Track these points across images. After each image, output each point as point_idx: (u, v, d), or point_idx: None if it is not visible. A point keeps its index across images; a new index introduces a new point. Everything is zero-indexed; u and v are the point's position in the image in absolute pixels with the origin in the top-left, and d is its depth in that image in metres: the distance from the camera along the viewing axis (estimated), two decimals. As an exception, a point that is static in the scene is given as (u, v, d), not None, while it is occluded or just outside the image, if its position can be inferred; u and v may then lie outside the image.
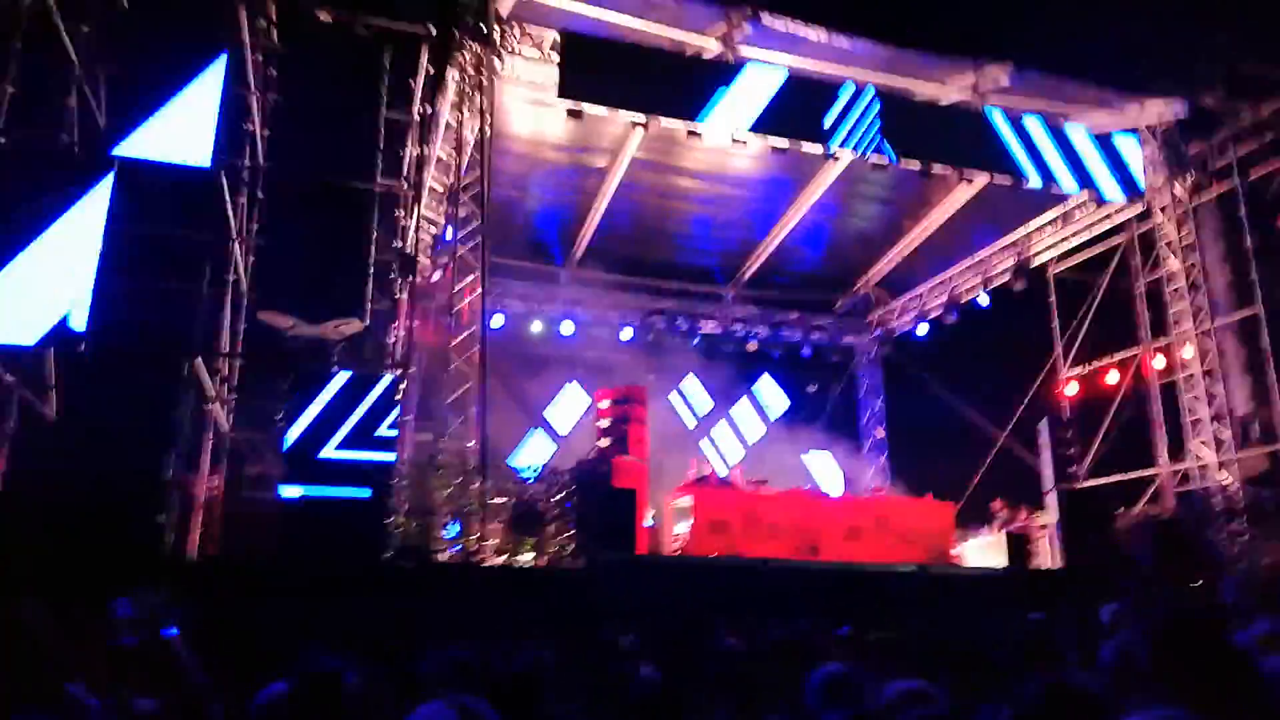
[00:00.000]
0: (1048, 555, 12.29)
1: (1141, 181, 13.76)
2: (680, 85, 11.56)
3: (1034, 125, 12.98)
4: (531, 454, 16.62)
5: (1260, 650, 4.07)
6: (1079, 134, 13.34)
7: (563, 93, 10.93)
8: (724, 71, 11.73)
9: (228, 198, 10.30)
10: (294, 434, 8.61)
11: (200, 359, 9.59)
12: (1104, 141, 13.58)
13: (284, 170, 10.45)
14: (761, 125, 11.74)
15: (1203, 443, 13.50)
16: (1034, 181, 12.86)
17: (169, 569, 8.10)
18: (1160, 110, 13.66)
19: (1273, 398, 12.53)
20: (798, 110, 11.94)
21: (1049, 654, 4.23)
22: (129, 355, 8.78)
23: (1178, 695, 2.42)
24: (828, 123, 11.95)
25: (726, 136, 11.88)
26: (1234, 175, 13.45)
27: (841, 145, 12.01)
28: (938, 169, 12.70)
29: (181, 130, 8.91)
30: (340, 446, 8.63)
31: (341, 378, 8.80)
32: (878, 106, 12.16)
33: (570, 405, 16.93)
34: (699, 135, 11.83)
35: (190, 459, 10.04)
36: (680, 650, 5.32)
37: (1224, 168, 13.81)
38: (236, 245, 10.97)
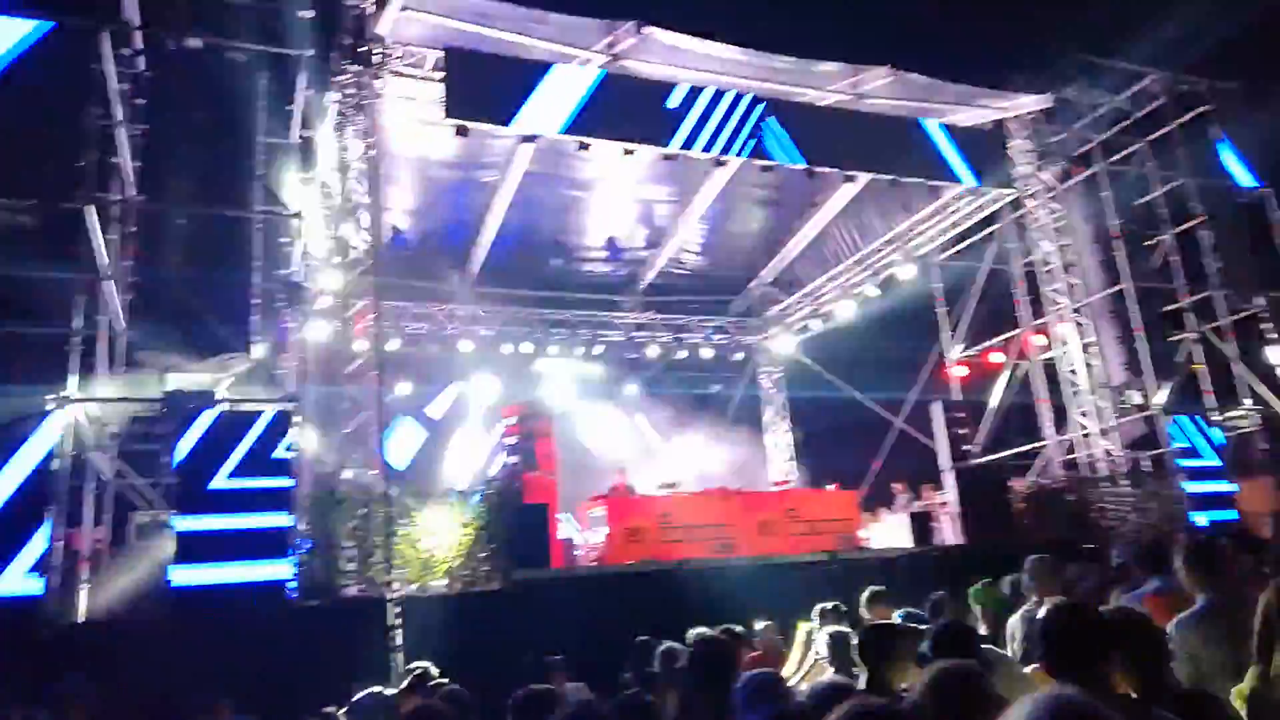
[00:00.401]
0: (950, 532, 12.75)
1: (1011, 171, 14.46)
2: (564, 97, 11.55)
3: (912, 123, 13.50)
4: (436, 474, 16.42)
5: (1150, 610, 4.31)
6: (952, 130, 13.93)
7: (450, 112, 10.80)
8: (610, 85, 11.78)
9: (98, 234, 9.81)
10: (186, 475, 8.25)
11: (77, 405, 9.08)
12: (974, 134, 14.23)
13: (157, 203, 9.99)
14: (601, 129, 11.82)
15: (1083, 413, 14.26)
16: (912, 176, 13.37)
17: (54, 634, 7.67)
18: (1026, 103, 14.37)
19: (1144, 367, 13.34)
20: (679, 115, 12.09)
21: (956, 632, 4.37)
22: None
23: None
24: (710, 126, 12.16)
25: (617, 150, 11.95)
26: (1096, 160, 14.27)
27: (725, 151, 12.24)
28: (820, 169, 13.04)
29: (47, 167, 8.46)
30: (233, 475, 8.34)
31: (231, 413, 8.47)
32: (759, 110, 12.44)
33: (473, 423, 16.75)
34: (587, 147, 11.85)
35: (71, 511, 9.50)
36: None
37: (1087, 154, 14.65)
38: (111, 284, 10.45)
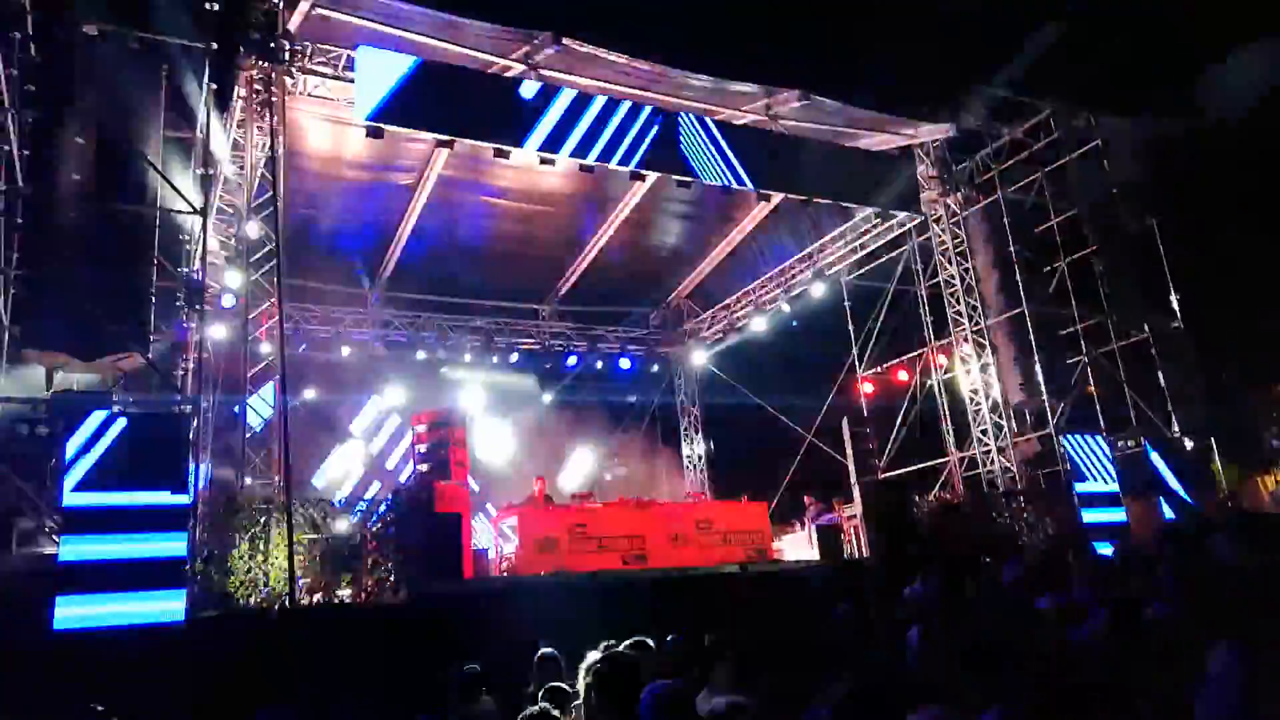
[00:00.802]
0: (856, 545, 13.03)
1: (918, 196, 14.94)
2: (483, 105, 11.43)
3: (824, 145, 13.84)
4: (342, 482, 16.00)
5: (1053, 622, 4.47)
6: (861, 154, 14.34)
7: (361, 114, 10.55)
8: (528, 92, 11.73)
9: (-20, 225, 9.27)
10: (72, 483, 7.77)
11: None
12: (883, 160, 14.68)
13: (47, 193, 9.47)
14: (560, 144, 11.75)
15: (983, 431, 14.79)
16: (822, 197, 13.70)
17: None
18: (931, 131, 14.90)
19: (1040, 388, 13.91)
20: (601, 129, 12.10)
21: (856, 646, 4.45)
22: None
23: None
24: (631, 144, 12.21)
25: (534, 157, 11.87)
26: (996, 188, 14.87)
27: (642, 166, 12.30)
28: (738, 187, 13.22)
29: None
30: (125, 486, 7.84)
31: (122, 420, 8.03)
32: (673, 126, 12.56)
33: (383, 429, 16.39)
34: (506, 154, 11.74)
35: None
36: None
37: (988, 181, 15.26)
38: (-7, 277, 9.88)
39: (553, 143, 11.64)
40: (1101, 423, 14.22)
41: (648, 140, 12.30)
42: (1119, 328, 14.80)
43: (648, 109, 12.43)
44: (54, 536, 8.28)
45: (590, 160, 11.97)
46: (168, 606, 7.57)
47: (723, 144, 12.89)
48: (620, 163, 12.16)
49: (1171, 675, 3.10)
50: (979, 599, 6.72)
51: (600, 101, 12.05)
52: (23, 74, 10.27)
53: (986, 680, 3.06)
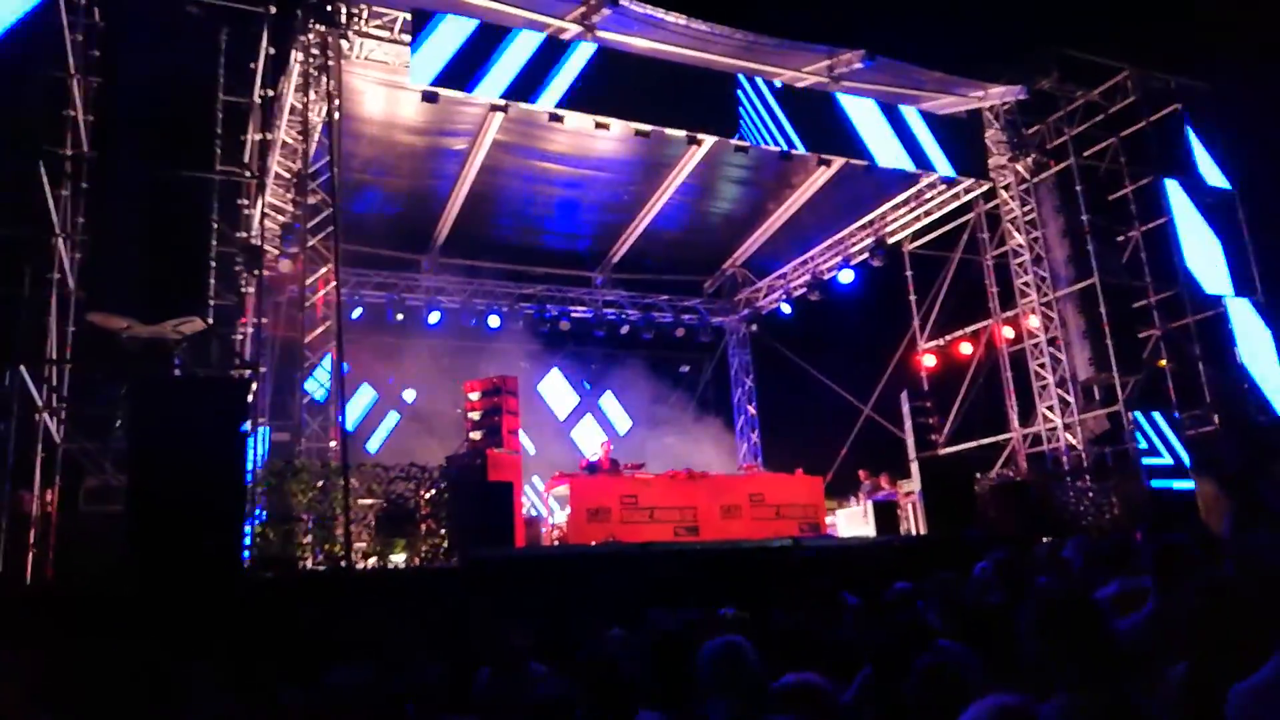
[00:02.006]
0: (914, 522, 12.77)
1: (986, 162, 14.40)
2: (534, 67, 11.26)
3: (889, 109, 13.37)
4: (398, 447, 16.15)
5: (1112, 611, 4.25)
6: (928, 117, 13.83)
7: (416, 76, 10.47)
8: (581, 53, 11.53)
9: (48, 190, 9.41)
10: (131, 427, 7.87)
11: (25, 366, 8.74)
12: (951, 124, 14.15)
13: (112, 159, 9.58)
14: (612, 107, 11.57)
15: (1049, 407, 14.35)
16: (887, 163, 13.25)
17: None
18: (1001, 93, 14.32)
19: (1110, 362, 13.41)
20: (658, 93, 11.88)
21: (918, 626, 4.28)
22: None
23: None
24: (688, 107, 11.95)
25: (589, 122, 11.69)
26: (1069, 154, 14.28)
27: (702, 130, 12.04)
28: (798, 152, 12.88)
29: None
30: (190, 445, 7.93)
31: (186, 379, 8.14)
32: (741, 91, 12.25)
33: (437, 395, 16.48)
34: (560, 118, 11.57)
35: (19, 475, 9.17)
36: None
37: (1060, 147, 14.66)
38: (60, 242, 10.06)
39: (607, 106, 11.44)
40: (1173, 399, 13.70)
41: (703, 103, 12.04)
42: (1196, 301, 14.18)
43: (705, 72, 12.14)
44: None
45: (646, 125, 11.75)
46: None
47: (776, 108, 12.55)
48: (677, 127, 11.91)
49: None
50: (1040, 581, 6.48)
51: (657, 64, 11.80)
52: (88, 39, 10.39)
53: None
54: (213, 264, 9.21)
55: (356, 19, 10.75)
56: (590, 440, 17.82)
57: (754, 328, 20.07)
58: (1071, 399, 14.07)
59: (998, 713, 1.62)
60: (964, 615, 4.31)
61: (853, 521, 13.66)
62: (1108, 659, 2.41)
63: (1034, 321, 14.69)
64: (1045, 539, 10.65)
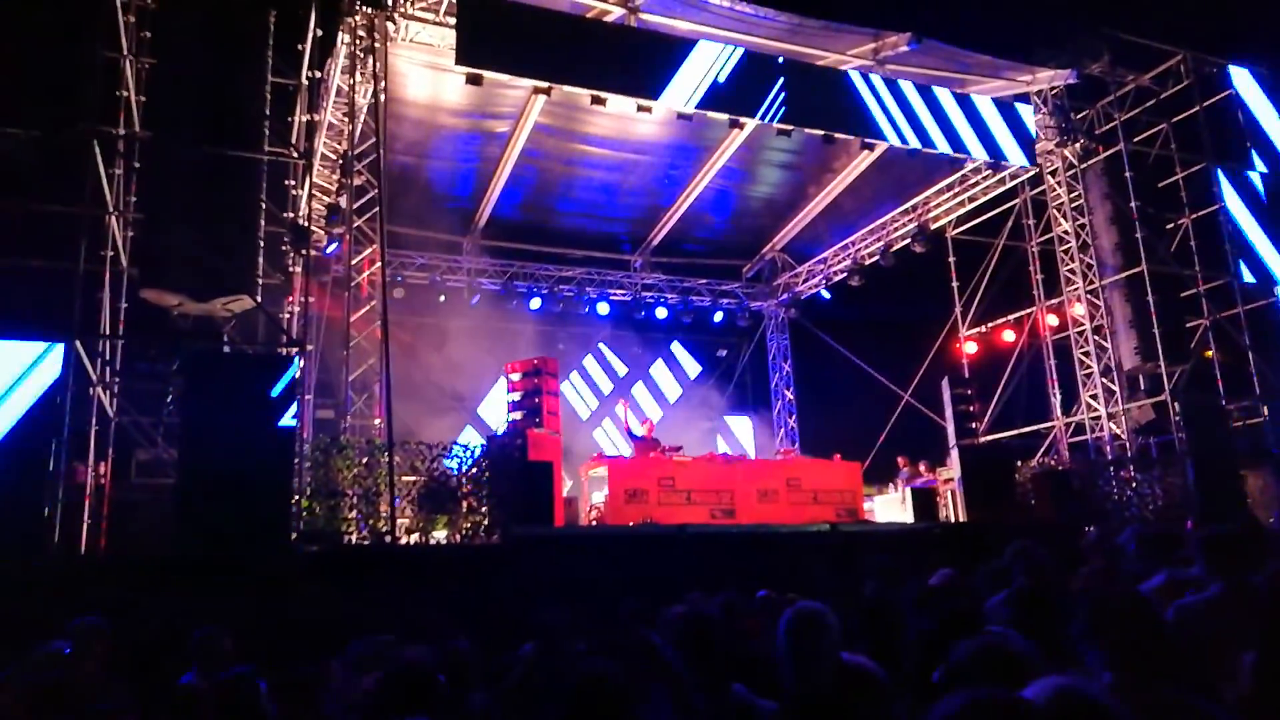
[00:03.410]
0: (953, 509, 12.69)
1: (1033, 146, 14.16)
2: (581, 50, 11.27)
3: (931, 93, 13.18)
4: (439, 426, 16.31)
5: (1159, 601, 4.21)
6: (974, 101, 13.62)
7: (460, 59, 10.52)
8: (626, 36, 11.53)
9: (102, 169, 9.63)
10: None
11: (80, 341, 8.97)
12: (997, 108, 13.92)
13: (163, 139, 9.77)
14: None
15: (1093, 396, 14.15)
16: (941, 147, 13.05)
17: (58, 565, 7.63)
18: (1050, 77, 14.07)
19: (1157, 351, 13.18)
20: (700, 77, 11.83)
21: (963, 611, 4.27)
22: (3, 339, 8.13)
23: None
24: (728, 91, 11.88)
25: (631, 106, 11.68)
26: (1119, 139, 14.00)
27: (747, 114, 11.97)
28: (840, 135, 12.76)
29: (51, 98, 8.29)
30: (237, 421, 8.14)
31: (235, 355, 8.32)
32: (782, 75, 12.15)
33: (478, 376, 16.62)
34: (603, 101, 11.57)
35: (75, 447, 9.44)
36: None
37: (1109, 132, 14.38)
38: (114, 219, 10.31)
39: (651, 89, 11.43)
40: (1221, 390, 13.45)
41: (746, 87, 11.96)
42: (1246, 290, 13.88)
43: (749, 54, 12.06)
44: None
45: (689, 108, 11.72)
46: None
47: (825, 91, 12.44)
48: (720, 110, 11.87)
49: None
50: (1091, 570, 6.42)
51: (702, 46, 11.74)
52: (139, 22, 10.59)
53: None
54: (261, 243, 9.39)
55: (402, 1, 10.82)
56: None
57: (793, 312, 19.97)
58: (1116, 388, 13.86)
59: (1060, 691, 1.63)
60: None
61: (890, 508, 13.60)
62: (1163, 652, 2.42)
63: (1079, 309, 14.47)
64: (1088, 528, 10.56)
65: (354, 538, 8.96)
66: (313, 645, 6.03)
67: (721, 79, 11.79)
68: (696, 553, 9.46)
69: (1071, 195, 14.66)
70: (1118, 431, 13.68)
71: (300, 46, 10.66)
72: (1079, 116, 14.69)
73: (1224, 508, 11.19)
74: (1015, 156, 13.87)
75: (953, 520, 12.37)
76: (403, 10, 10.87)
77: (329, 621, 6.86)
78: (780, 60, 12.30)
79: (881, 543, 10.62)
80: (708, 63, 11.76)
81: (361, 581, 8.17)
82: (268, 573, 7.59)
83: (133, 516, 9.65)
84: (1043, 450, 14.48)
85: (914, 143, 12.89)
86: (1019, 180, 15.09)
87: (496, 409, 15.26)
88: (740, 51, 11.97)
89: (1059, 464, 13.53)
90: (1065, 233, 14.73)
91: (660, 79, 11.48)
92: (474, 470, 9.76)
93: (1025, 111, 14.10)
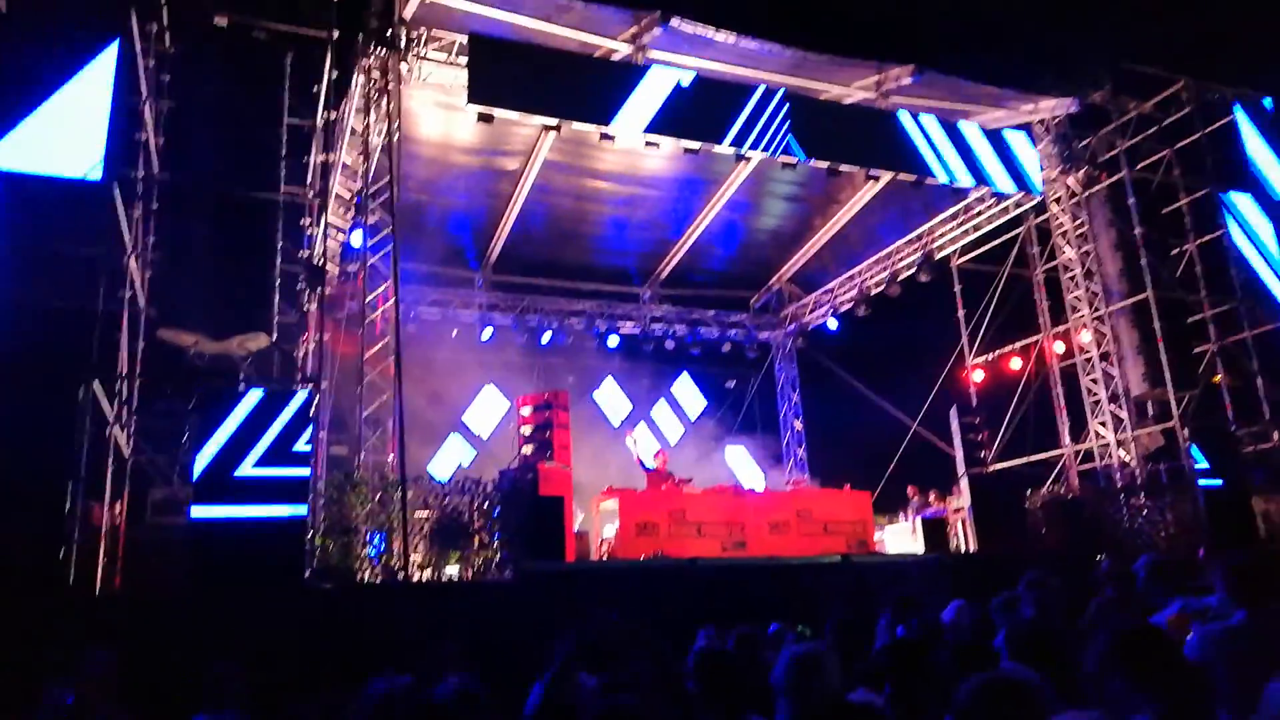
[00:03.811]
0: (963, 539, 12.68)
1: (1037, 175, 14.30)
2: (590, 88, 11.49)
3: (933, 124, 13.36)
4: (451, 462, 16.40)
5: (1173, 631, 4.24)
6: (976, 131, 13.79)
7: (472, 98, 10.73)
8: (632, 73, 11.74)
9: (121, 211, 9.80)
10: (205, 456, 8.23)
11: (98, 381, 9.08)
12: (1000, 138, 14.09)
13: (181, 180, 9.97)
14: (667, 127, 11.75)
15: (1101, 423, 14.15)
16: (938, 178, 13.22)
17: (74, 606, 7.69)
18: (1052, 106, 14.23)
19: (1165, 377, 13.20)
20: (705, 111, 12.03)
21: (976, 646, 4.31)
22: (20, 380, 8.25)
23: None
24: (737, 124, 12.08)
25: (639, 140, 11.86)
26: (1122, 167, 14.12)
27: (751, 147, 12.15)
28: (845, 167, 12.92)
29: (70, 140, 8.48)
30: (257, 464, 8.26)
31: (253, 396, 8.44)
32: (786, 107, 12.34)
33: (490, 411, 16.73)
34: (611, 137, 11.77)
35: (91, 486, 9.52)
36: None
37: (1112, 159, 14.50)
38: (132, 260, 10.46)
39: (660, 125, 11.63)
40: (1230, 416, 13.44)
41: (756, 121, 12.16)
42: (1253, 314, 13.92)
43: (758, 89, 12.27)
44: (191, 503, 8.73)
45: (695, 143, 11.91)
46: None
47: (830, 122, 12.63)
48: (726, 144, 12.06)
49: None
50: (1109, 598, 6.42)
51: (709, 83, 11.96)
52: (159, 65, 10.82)
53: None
54: (277, 282, 9.53)
55: (416, 43, 11.05)
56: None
57: (801, 343, 20.05)
58: (1125, 415, 13.87)
59: None
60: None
61: (901, 538, 13.59)
62: (1183, 683, 2.45)
63: (1086, 336, 14.52)
64: (1100, 557, 10.53)
65: (367, 575, 9.01)
66: (328, 683, 6.09)
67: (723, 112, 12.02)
68: (708, 586, 9.47)
69: (1075, 223, 14.77)
70: (1127, 458, 13.67)
71: (316, 88, 10.86)
72: (1082, 144, 14.82)
73: (1236, 534, 11.19)
74: (1017, 186, 14.01)
75: (964, 550, 12.36)
76: (416, 52, 11.11)
77: (343, 659, 6.91)
78: (785, 91, 12.50)
79: (895, 574, 10.62)
80: (715, 97, 11.98)
81: (376, 618, 8.22)
82: (279, 611, 7.65)
83: (148, 555, 9.70)
84: (1052, 478, 14.46)
85: (922, 174, 13.06)
86: (1023, 209, 15.21)
87: (505, 443, 15.34)
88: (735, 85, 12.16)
89: (1069, 492, 13.51)
90: (1070, 260, 14.82)
91: (668, 116, 11.67)
92: (486, 505, 9.82)
93: (1025, 140, 14.25)
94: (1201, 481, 12.15)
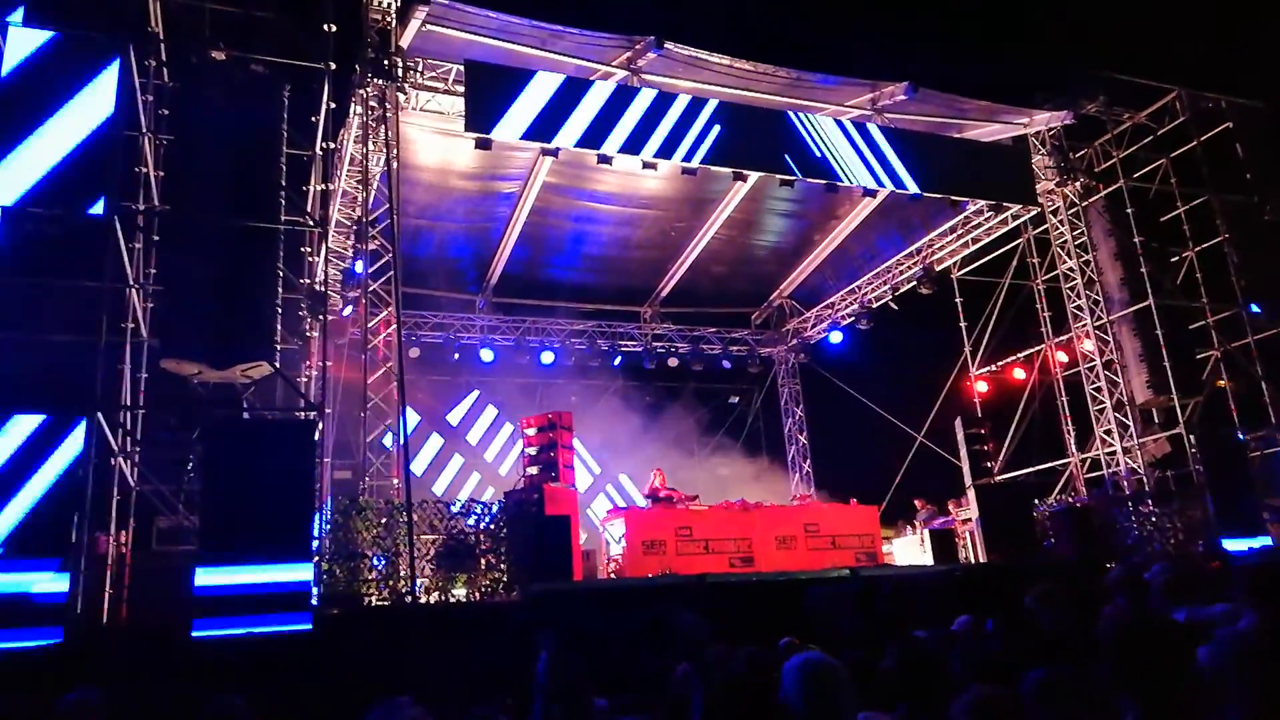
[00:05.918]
0: (972, 550, 12.62)
1: (1034, 187, 14.34)
2: (586, 113, 11.54)
3: (926, 139, 13.41)
4: (456, 484, 16.40)
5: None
6: (968, 144, 13.85)
7: (470, 125, 10.81)
8: (626, 98, 11.80)
9: (122, 243, 9.87)
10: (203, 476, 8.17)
11: (102, 413, 9.11)
12: (993, 150, 14.15)
13: (181, 212, 10.04)
14: (665, 152, 11.78)
15: (1107, 431, 14.12)
16: (935, 192, 13.21)
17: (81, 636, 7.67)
18: (1047, 119, 14.30)
19: (1169, 384, 13.18)
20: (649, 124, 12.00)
21: (988, 658, 4.28)
22: (26, 412, 8.28)
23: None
24: (740, 146, 12.11)
25: (636, 163, 11.91)
26: (1119, 176, 14.17)
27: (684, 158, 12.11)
28: (843, 183, 12.95)
29: (71, 175, 8.57)
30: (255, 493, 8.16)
31: (255, 421, 8.44)
32: (782, 127, 12.39)
33: (493, 433, 16.73)
34: (609, 160, 11.82)
35: (96, 516, 9.53)
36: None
37: (1109, 170, 14.56)
38: (134, 292, 10.52)
39: (658, 148, 11.68)
40: (1236, 420, 13.42)
41: (753, 141, 12.21)
42: (1254, 319, 13.91)
43: (753, 110, 12.34)
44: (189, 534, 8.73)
45: (695, 164, 11.94)
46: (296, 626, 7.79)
47: (832, 139, 12.66)
48: (728, 165, 12.10)
49: None
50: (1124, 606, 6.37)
51: (709, 105, 12.01)
52: (158, 99, 10.93)
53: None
54: (279, 310, 9.57)
55: (413, 72, 11.15)
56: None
57: (803, 357, 20.05)
58: (1130, 422, 13.84)
59: None
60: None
61: (909, 550, 13.53)
62: (1171, 686, 2.44)
63: (1088, 345, 14.52)
64: (1110, 565, 10.48)
65: (374, 599, 8.99)
66: (335, 710, 6.06)
67: (723, 134, 12.04)
68: (717, 602, 9.42)
69: (1074, 233, 14.80)
70: (1134, 466, 13.64)
71: (314, 118, 10.94)
72: (1078, 155, 14.90)
73: (1244, 539, 11.13)
74: (1014, 198, 14.00)
75: (973, 561, 12.30)
76: (413, 80, 11.21)
77: (350, 684, 6.88)
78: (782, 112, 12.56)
79: (904, 587, 10.56)
80: (713, 119, 12.02)
81: (384, 642, 8.19)
82: (287, 641, 7.62)
83: (153, 584, 9.69)
84: (1059, 487, 14.42)
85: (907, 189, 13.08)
86: (1021, 220, 15.25)
87: (509, 464, 15.33)
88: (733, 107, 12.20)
89: (1077, 501, 13.46)
90: (1070, 270, 14.84)
91: (666, 137, 11.73)
92: (492, 527, 9.81)
93: (1022, 153, 14.30)
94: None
